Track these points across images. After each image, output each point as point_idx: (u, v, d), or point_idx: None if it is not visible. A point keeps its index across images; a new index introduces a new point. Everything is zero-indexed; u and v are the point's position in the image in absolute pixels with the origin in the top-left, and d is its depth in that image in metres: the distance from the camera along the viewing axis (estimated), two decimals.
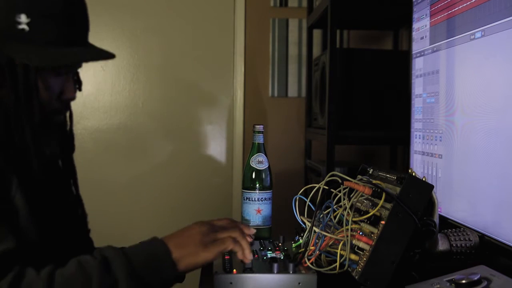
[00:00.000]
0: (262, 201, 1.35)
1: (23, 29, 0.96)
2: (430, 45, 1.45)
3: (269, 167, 1.38)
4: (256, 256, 1.10)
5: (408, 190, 0.95)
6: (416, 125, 1.55)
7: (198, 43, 2.94)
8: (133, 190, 2.93)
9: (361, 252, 0.96)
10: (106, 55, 1.05)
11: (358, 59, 2.27)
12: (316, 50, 2.79)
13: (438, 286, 0.87)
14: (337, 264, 0.99)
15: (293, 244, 1.19)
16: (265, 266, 1.01)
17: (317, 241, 1.04)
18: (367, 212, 0.99)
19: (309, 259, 1.02)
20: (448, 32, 1.33)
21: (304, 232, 1.14)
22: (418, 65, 1.54)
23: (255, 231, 1.09)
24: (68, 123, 1.14)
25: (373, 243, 0.94)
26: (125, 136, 2.94)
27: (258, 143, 1.38)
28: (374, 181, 1.02)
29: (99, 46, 1.06)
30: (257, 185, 1.36)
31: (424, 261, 1.06)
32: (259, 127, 1.38)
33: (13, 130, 0.97)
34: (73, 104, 1.12)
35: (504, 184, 1.07)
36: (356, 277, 0.94)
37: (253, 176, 1.36)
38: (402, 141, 2.07)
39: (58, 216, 1.08)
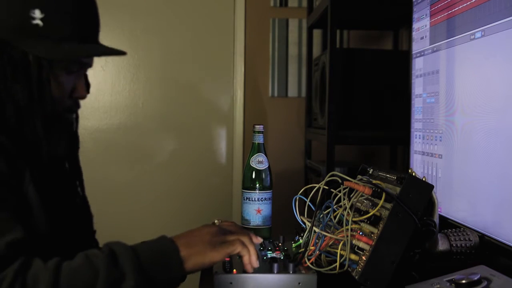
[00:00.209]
0: (262, 201, 1.35)
1: (37, 24, 0.97)
2: (430, 45, 1.45)
3: (269, 167, 1.38)
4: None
5: (408, 190, 0.95)
6: (416, 125, 1.55)
7: (198, 43, 2.94)
8: (133, 190, 2.94)
9: (361, 252, 0.96)
10: (117, 51, 1.07)
11: (358, 59, 2.27)
12: (316, 50, 2.79)
13: (438, 286, 0.87)
14: (337, 264, 0.99)
15: (293, 244, 1.19)
16: (265, 266, 1.01)
17: (317, 241, 1.04)
18: (367, 212, 0.99)
19: (309, 259, 1.02)
20: (448, 32, 1.33)
21: (304, 232, 1.14)
22: (418, 65, 1.54)
23: (262, 240, 1.09)
24: (74, 123, 1.15)
25: (373, 243, 0.94)
26: (125, 136, 2.94)
27: (258, 143, 1.38)
28: (374, 181, 1.02)
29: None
30: (257, 185, 1.36)
31: (424, 261, 1.06)
32: (259, 127, 1.38)
33: (25, 125, 0.98)
34: None
35: (504, 184, 1.07)
36: (356, 277, 0.94)
37: (253, 176, 1.36)
38: (402, 141, 2.07)
39: (66, 213, 1.08)
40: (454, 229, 1.12)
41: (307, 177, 2.73)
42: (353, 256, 0.97)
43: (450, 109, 1.32)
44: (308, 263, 1.01)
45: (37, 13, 0.97)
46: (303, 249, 1.07)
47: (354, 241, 0.98)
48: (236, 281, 0.98)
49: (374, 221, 0.98)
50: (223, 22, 2.95)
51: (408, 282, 0.95)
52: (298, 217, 1.17)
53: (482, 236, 1.11)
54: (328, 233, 1.03)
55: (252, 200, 1.35)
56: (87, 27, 1.05)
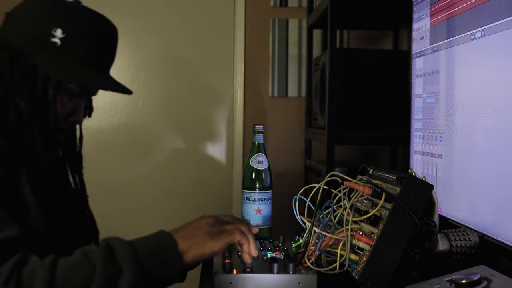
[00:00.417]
0: (262, 201, 1.35)
1: (55, 43, 1.00)
2: (430, 45, 1.45)
3: (269, 167, 1.38)
4: (256, 256, 1.10)
5: (408, 190, 0.95)
6: (416, 125, 1.55)
7: (198, 43, 2.94)
8: (133, 190, 2.94)
9: (361, 252, 0.96)
10: (125, 90, 1.09)
11: (358, 59, 2.27)
12: (316, 50, 2.79)
13: (438, 286, 0.87)
14: (337, 264, 0.99)
15: (293, 244, 1.19)
16: (265, 266, 1.01)
17: (317, 241, 1.04)
18: (367, 212, 0.99)
19: (309, 259, 1.02)
20: (448, 32, 1.33)
21: (304, 232, 1.14)
22: (418, 65, 1.54)
23: (258, 230, 1.09)
24: (78, 143, 1.17)
25: (373, 243, 0.94)
26: (125, 136, 2.94)
27: (258, 143, 1.38)
28: (374, 181, 1.02)
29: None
30: (257, 185, 1.36)
31: (424, 261, 1.06)
32: (259, 127, 1.38)
33: (25, 135, 0.99)
34: None
35: (504, 184, 1.07)
36: (356, 277, 0.94)
37: (253, 176, 1.36)
38: (402, 141, 2.07)
39: (66, 222, 1.08)
40: (454, 229, 1.12)
41: (307, 177, 2.73)
42: (353, 256, 0.97)
43: (450, 109, 1.32)
44: (308, 263, 1.01)
45: (59, 33, 1.00)
46: (303, 249, 1.07)
47: (354, 241, 0.98)
48: (236, 281, 0.98)
49: (374, 221, 0.97)
50: (223, 22, 2.95)
51: (408, 282, 0.94)
52: (298, 217, 1.17)
53: (482, 236, 1.11)
54: (328, 233, 1.03)
55: (252, 200, 1.35)
56: (102, 56, 1.08)
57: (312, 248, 1.04)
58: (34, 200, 0.96)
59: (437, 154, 1.39)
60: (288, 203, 1.21)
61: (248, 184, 1.37)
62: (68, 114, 1.07)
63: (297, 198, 1.18)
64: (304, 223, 1.17)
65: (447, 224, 1.28)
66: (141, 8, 2.92)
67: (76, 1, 1.07)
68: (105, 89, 1.08)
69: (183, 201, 2.94)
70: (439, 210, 1.08)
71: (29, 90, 0.98)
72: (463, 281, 0.84)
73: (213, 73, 2.96)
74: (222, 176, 2.98)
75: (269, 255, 1.10)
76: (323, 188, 1.14)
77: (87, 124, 2.84)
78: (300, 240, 1.16)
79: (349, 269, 0.98)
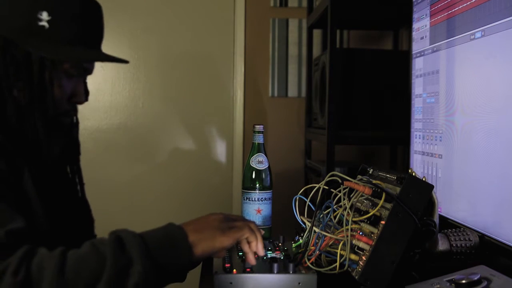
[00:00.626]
0: (262, 201, 1.35)
1: (43, 26, 0.99)
2: (430, 45, 1.45)
3: (269, 167, 1.38)
4: (256, 256, 1.10)
5: (408, 190, 0.95)
6: (416, 125, 1.55)
7: (198, 43, 2.94)
8: (133, 190, 2.94)
9: (361, 252, 0.96)
10: (120, 59, 1.08)
11: (358, 59, 2.27)
12: (316, 50, 2.79)
13: (438, 286, 0.87)
14: (337, 264, 0.99)
15: (293, 244, 1.19)
16: (265, 266, 1.01)
17: (317, 241, 1.04)
18: (367, 212, 0.99)
19: (309, 259, 1.02)
20: (448, 32, 1.33)
21: (304, 232, 1.14)
22: (418, 65, 1.54)
23: (263, 232, 1.09)
24: (75, 129, 1.17)
25: (373, 243, 0.94)
26: (125, 136, 2.94)
27: (258, 143, 1.38)
28: (374, 181, 1.02)
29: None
30: (257, 185, 1.36)
31: (424, 261, 1.06)
32: (259, 127, 1.38)
33: (26, 124, 0.99)
34: None
35: (504, 184, 1.07)
36: (356, 277, 0.94)
37: (253, 176, 1.36)
38: (402, 141, 2.07)
39: (65, 213, 1.08)
40: (454, 229, 1.12)
41: (307, 177, 2.73)
42: (353, 256, 0.97)
43: (450, 109, 1.32)
44: (308, 263, 1.01)
45: (45, 15, 0.99)
46: (303, 249, 1.07)
47: (354, 241, 0.98)
48: (236, 281, 0.98)
49: (374, 221, 0.98)
50: (223, 22, 2.95)
51: (408, 282, 0.94)
52: (298, 217, 1.17)
53: (482, 236, 1.11)
54: (328, 233, 1.03)
55: (252, 200, 1.35)
56: (91, 33, 1.07)
57: (312, 248, 1.04)
58: (36, 194, 0.96)
59: (437, 154, 1.39)
60: (288, 203, 1.21)
61: (248, 184, 1.37)
62: (69, 96, 1.06)
63: (297, 198, 1.18)
64: (304, 223, 1.17)
65: (447, 224, 1.28)
66: (141, 8, 2.92)
67: None
68: (101, 60, 1.08)
69: (183, 201, 2.94)
70: (439, 210, 1.08)
71: (26, 79, 0.98)
72: (463, 281, 0.84)
73: (213, 73, 2.96)
74: (222, 176, 2.98)
75: (269, 255, 1.10)
76: (323, 188, 1.14)
77: (87, 124, 2.87)
78: (300, 240, 1.16)
79: (349, 269, 0.98)
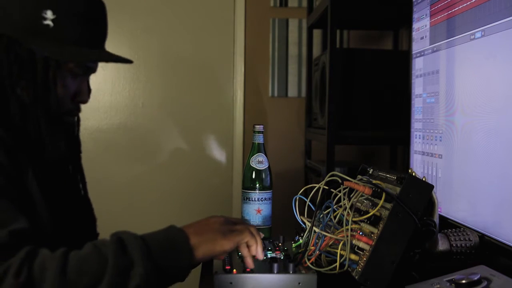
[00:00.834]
0: (262, 201, 1.35)
1: (47, 25, 0.99)
2: (430, 45, 1.45)
3: (269, 167, 1.38)
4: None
5: (408, 190, 0.95)
6: (416, 125, 1.55)
7: (198, 43, 2.94)
8: (133, 190, 2.94)
9: (361, 252, 0.96)
10: (124, 59, 1.09)
11: (358, 59, 2.27)
12: (316, 50, 2.79)
13: (438, 286, 0.87)
14: (337, 264, 0.99)
15: (293, 244, 1.19)
16: (265, 266, 1.01)
17: (317, 241, 1.04)
18: (367, 212, 0.99)
19: (309, 259, 1.02)
20: (448, 32, 1.33)
21: (304, 232, 1.14)
22: (418, 65, 1.54)
23: (263, 235, 1.10)
24: (76, 127, 1.17)
25: (373, 243, 0.94)
26: (125, 136, 2.94)
27: (258, 143, 1.38)
28: (374, 181, 1.02)
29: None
30: (257, 185, 1.36)
31: (424, 261, 1.06)
32: (259, 127, 1.38)
33: (29, 123, 0.98)
34: None
35: (504, 184, 1.07)
36: (356, 277, 0.94)
37: (253, 176, 1.36)
38: (402, 141, 2.07)
39: (68, 213, 1.08)
40: (454, 229, 1.12)
41: (307, 177, 2.73)
42: (353, 256, 0.97)
43: (450, 109, 1.32)
44: (308, 263, 1.01)
45: (49, 14, 0.99)
46: (303, 249, 1.07)
47: (354, 241, 0.98)
48: (236, 281, 0.98)
49: (374, 221, 0.98)
50: (223, 22, 2.95)
51: (408, 282, 0.95)
52: (298, 217, 1.17)
53: (482, 236, 1.11)
54: (328, 233, 1.03)
55: (252, 200, 1.35)
56: (95, 33, 1.07)
57: (312, 248, 1.04)
58: (39, 193, 0.96)
59: (437, 154, 1.39)
60: (288, 203, 1.21)
61: (248, 184, 1.37)
62: (73, 95, 1.06)
63: (297, 198, 1.18)
64: (304, 223, 1.17)
65: (447, 224, 1.28)
66: (141, 8, 2.92)
67: None
68: (106, 61, 1.07)
69: (183, 201, 2.94)
70: (439, 210, 1.08)
71: (30, 77, 0.98)
72: (463, 281, 0.84)
73: (213, 73, 2.96)
74: (222, 176, 2.98)
75: (269, 255, 1.10)
76: (323, 188, 1.14)
77: (87, 124, 2.87)
78: (300, 240, 1.16)
79: (349, 269, 0.98)
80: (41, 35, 0.98)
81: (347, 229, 0.98)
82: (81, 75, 1.07)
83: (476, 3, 1.17)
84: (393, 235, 0.94)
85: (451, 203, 1.31)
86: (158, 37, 2.93)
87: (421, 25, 1.50)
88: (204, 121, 2.97)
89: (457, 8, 1.27)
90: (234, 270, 0.99)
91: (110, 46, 1.14)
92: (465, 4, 1.22)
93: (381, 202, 0.96)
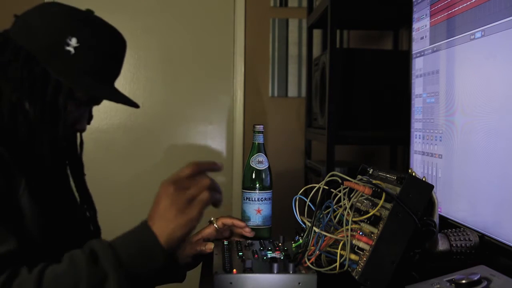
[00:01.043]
0: (262, 201, 1.35)
1: (69, 51, 1.00)
2: (430, 45, 1.45)
3: (269, 167, 1.38)
4: (256, 256, 1.10)
5: (408, 190, 0.95)
6: (416, 125, 1.55)
7: (198, 43, 2.94)
8: (133, 190, 2.93)
9: (361, 252, 0.96)
10: (133, 103, 1.12)
11: (358, 59, 2.27)
12: (316, 50, 2.79)
13: (438, 286, 0.87)
14: (337, 264, 0.99)
15: (293, 244, 1.19)
16: (265, 266, 1.01)
17: (317, 241, 1.04)
18: (367, 212, 0.99)
19: (309, 259, 1.02)
20: (448, 32, 1.33)
21: (304, 232, 1.14)
22: (418, 65, 1.54)
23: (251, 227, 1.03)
24: (78, 149, 1.19)
25: (373, 243, 0.94)
26: (125, 136, 2.94)
27: (258, 143, 1.38)
28: (374, 181, 1.02)
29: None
30: (257, 185, 1.36)
31: (424, 261, 1.06)
32: (259, 127, 1.38)
33: (35, 140, 0.99)
34: None
35: (504, 184, 1.07)
36: (356, 277, 0.94)
37: (253, 176, 1.36)
38: (402, 141, 2.07)
39: (66, 222, 1.08)
40: (454, 229, 1.12)
41: (307, 177, 2.73)
42: (353, 256, 0.97)
43: (450, 109, 1.32)
44: (308, 263, 1.01)
45: (73, 41, 1.00)
46: (303, 249, 1.07)
47: (354, 241, 0.97)
48: (236, 281, 0.98)
49: (374, 221, 0.97)
50: (223, 22, 2.95)
51: (408, 282, 0.95)
52: (298, 217, 1.17)
53: (482, 236, 1.11)
54: (328, 233, 1.03)
55: (252, 200, 1.35)
56: (111, 69, 1.09)
57: (312, 248, 1.04)
58: (31, 208, 0.95)
59: (437, 154, 1.39)
60: (288, 203, 1.21)
61: (248, 184, 1.36)
62: (73, 122, 1.07)
63: (297, 198, 1.18)
64: (304, 223, 1.17)
65: (447, 224, 1.28)
66: (141, 8, 2.92)
67: (89, 10, 1.07)
68: (116, 101, 1.09)
69: None
70: (439, 210, 1.08)
71: (39, 96, 0.99)
72: (463, 281, 0.84)
73: (213, 73, 2.96)
74: (222, 176, 2.98)
75: (269, 255, 1.10)
76: (323, 188, 1.14)
77: None
78: (300, 240, 1.16)
79: (349, 269, 0.98)
80: (59, 59, 1.00)
81: (347, 229, 0.98)
82: (85, 105, 1.08)
83: (476, 3, 1.17)
84: (393, 235, 0.94)
85: (451, 203, 1.31)
86: (158, 37, 2.93)
87: (421, 25, 1.50)
88: (204, 121, 2.97)
89: (457, 8, 1.27)
90: (234, 270, 0.99)
91: None
92: (465, 4, 1.22)
93: (381, 202, 0.96)
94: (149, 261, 0.86)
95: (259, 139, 1.38)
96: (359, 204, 1.05)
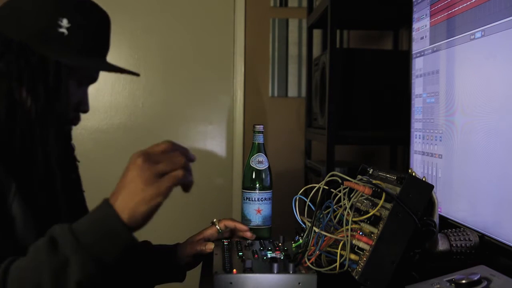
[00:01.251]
0: (262, 201, 1.35)
1: (62, 33, 0.99)
2: (430, 45, 1.45)
3: (269, 167, 1.38)
4: (256, 256, 1.10)
5: (408, 190, 0.95)
6: (416, 125, 1.55)
7: (198, 43, 2.94)
8: None
9: (361, 252, 0.96)
10: (132, 72, 1.10)
11: (358, 59, 2.27)
12: (316, 50, 2.79)
13: (438, 286, 0.87)
14: (337, 264, 0.99)
15: (293, 244, 1.19)
16: (265, 266, 1.01)
17: (317, 241, 1.04)
18: (367, 212, 0.99)
19: (309, 259, 1.02)
20: (448, 32, 1.33)
21: (304, 232, 1.14)
22: (418, 65, 1.54)
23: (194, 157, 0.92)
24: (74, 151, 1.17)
25: (373, 243, 0.94)
26: (125, 136, 2.94)
27: (258, 143, 1.38)
28: (374, 181, 1.02)
29: None
30: (257, 185, 1.36)
31: (424, 261, 1.06)
32: (259, 127, 1.38)
33: (38, 133, 0.97)
34: None
35: (504, 184, 1.07)
36: (356, 277, 0.94)
37: (253, 176, 1.36)
38: (402, 141, 2.07)
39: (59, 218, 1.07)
40: (454, 229, 1.12)
41: (307, 177, 2.73)
42: (353, 256, 0.97)
43: (450, 109, 1.32)
44: (308, 263, 1.01)
45: (65, 22, 0.99)
46: (303, 249, 1.07)
47: (354, 241, 0.97)
48: (236, 281, 0.98)
49: (374, 221, 0.97)
50: (223, 22, 2.95)
51: (408, 282, 0.95)
52: (298, 217, 1.17)
53: (482, 236, 1.11)
54: (328, 233, 1.03)
55: (252, 200, 1.35)
56: (102, 44, 1.09)
57: (312, 248, 1.04)
58: (23, 213, 0.94)
59: (437, 154, 1.39)
60: (288, 203, 1.21)
61: (248, 184, 1.37)
62: (76, 104, 1.06)
63: (297, 198, 1.18)
64: (304, 223, 1.17)
65: (447, 224, 1.28)
66: (141, 8, 2.92)
67: None
68: (121, 72, 1.08)
69: (183, 200, 2.93)
70: (439, 210, 1.08)
71: (41, 83, 0.97)
72: (463, 281, 0.84)
73: (213, 73, 2.96)
74: (222, 176, 2.98)
75: (269, 255, 1.10)
76: (323, 188, 1.14)
77: (87, 124, 2.86)
78: (300, 240, 1.16)
79: (349, 269, 0.98)
80: (54, 42, 0.99)
81: (347, 229, 0.98)
82: (86, 84, 1.07)
83: (476, 3, 1.17)
84: (393, 235, 0.94)
85: (451, 203, 1.31)
86: (158, 37, 2.93)
87: (421, 25, 1.50)
88: (204, 121, 2.97)
89: (457, 8, 1.27)
90: (234, 270, 0.99)
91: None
92: (465, 4, 1.22)
93: (381, 202, 0.96)
94: (111, 240, 0.80)
95: (259, 139, 1.38)
96: (359, 204, 1.05)
